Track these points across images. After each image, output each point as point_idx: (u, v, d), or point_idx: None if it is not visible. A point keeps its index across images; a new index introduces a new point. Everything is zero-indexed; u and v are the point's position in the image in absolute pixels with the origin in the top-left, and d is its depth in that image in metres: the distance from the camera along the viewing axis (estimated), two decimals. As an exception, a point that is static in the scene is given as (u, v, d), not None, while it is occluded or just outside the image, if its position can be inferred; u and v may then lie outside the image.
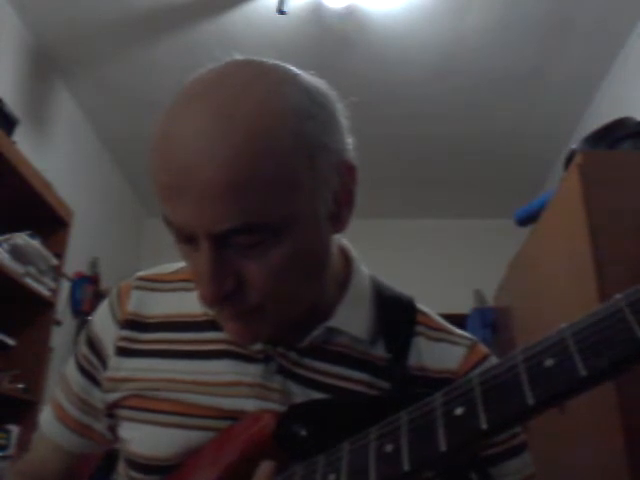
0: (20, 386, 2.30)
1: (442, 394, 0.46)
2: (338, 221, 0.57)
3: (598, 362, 0.38)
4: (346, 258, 0.67)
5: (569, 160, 1.79)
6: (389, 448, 0.46)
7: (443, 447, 0.42)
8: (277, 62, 0.55)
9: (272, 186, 0.49)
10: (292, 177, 0.50)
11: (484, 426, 0.41)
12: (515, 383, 0.41)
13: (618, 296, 0.40)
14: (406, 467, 0.44)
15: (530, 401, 0.40)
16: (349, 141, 0.58)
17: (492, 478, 0.57)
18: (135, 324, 0.67)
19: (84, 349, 0.71)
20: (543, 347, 0.41)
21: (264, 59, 0.55)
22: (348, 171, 0.56)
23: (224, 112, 0.48)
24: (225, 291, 0.51)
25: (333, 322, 0.60)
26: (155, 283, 0.70)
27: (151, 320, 0.67)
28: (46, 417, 0.74)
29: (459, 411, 0.43)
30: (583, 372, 0.38)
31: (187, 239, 0.52)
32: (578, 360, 0.39)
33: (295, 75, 0.55)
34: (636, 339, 0.37)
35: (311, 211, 0.53)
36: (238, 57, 0.55)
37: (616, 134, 1.75)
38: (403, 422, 0.46)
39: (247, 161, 0.47)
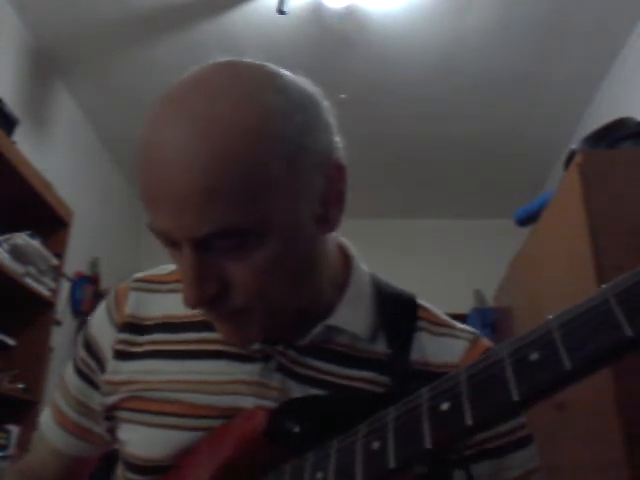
0: (20, 386, 2.30)
1: (429, 389, 0.46)
2: (326, 222, 0.56)
3: (584, 355, 0.38)
4: (345, 256, 0.67)
5: (569, 160, 1.79)
6: (376, 445, 0.46)
7: (428, 444, 0.42)
8: (257, 63, 0.55)
9: (249, 190, 0.48)
10: (270, 180, 0.49)
11: (469, 422, 0.41)
12: (501, 378, 0.41)
13: (605, 286, 0.39)
14: (392, 464, 0.44)
15: (515, 397, 0.40)
16: (337, 140, 0.57)
17: (474, 478, 0.57)
18: (133, 326, 0.66)
19: (82, 352, 0.71)
20: (529, 340, 0.41)
21: (245, 60, 0.54)
22: (336, 171, 0.55)
23: (197, 118, 0.48)
24: (208, 294, 0.51)
25: (332, 320, 0.60)
26: (152, 284, 0.70)
27: (148, 322, 0.67)
28: (45, 420, 0.74)
29: (445, 406, 0.43)
30: (568, 366, 0.38)
31: (172, 243, 0.53)
32: (563, 353, 0.38)
33: (274, 76, 0.54)
34: (621, 330, 0.36)
35: (292, 213, 0.52)
36: (221, 59, 0.54)
37: (616, 134, 1.75)
38: (390, 419, 0.46)
39: (221, 166, 0.47)
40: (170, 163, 0.48)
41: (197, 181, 0.47)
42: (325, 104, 0.56)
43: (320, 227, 0.56)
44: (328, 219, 0.56)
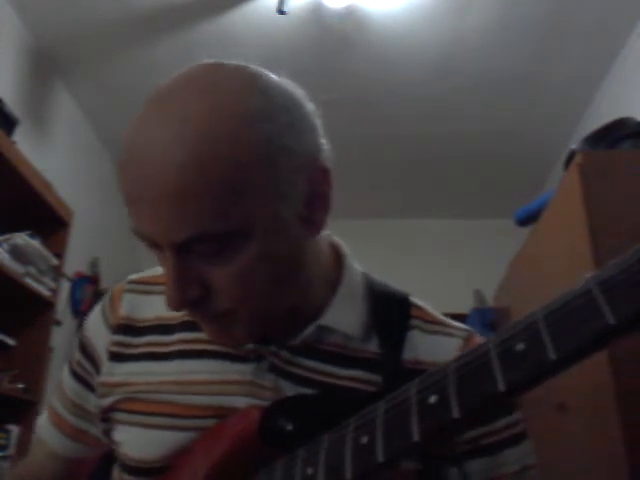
0: (20, 386, 2.30)
1: (417, 382, 0.46)
2: (311, 224, 0.56)
3: (568, 345, 0.38)
4: (338, 255, 0.66)
5: (569, 160, 1.79)
6: (364, 440, 0.46)
7: (416, 437, 0.43)
8: (241, 64, 0.54)
9: (228, 193, 0.48)
10: (250, 182, 0.49)
11: (456, 414, 0.41)
12: (487, 369, 0.41)
13: (588, 275, 0.39)
14: (380, 458, 0.44)
15: (501, 387, 0.40)
16: (322, 142, 0.56)
17: (468, 476, 0.57)
18: (127, 328, 0.66)
19: (77, 354, 0.71)
20: (515, 331, 0.41)
21: (229, 62, 0.54)
22: (320, 173, 0.55)
23: (177, 120, 0.48)
24: (189, 297, 0.51)
25: (324, 320, 0.60)
26: (146, 286, 0.70)
27: (143, 324, 0.67)
28: (42, 422, 0.75)
29: (432, 399, 0.43)
30: (553, 356, 0.38)
31: (155, 246, 0.52)
32: (548, 343, 0.39)
33: (257, 77, 0.53)
34: (604, 318, 0.37)
35: (273, 216, 0.51)
36: (207, 61, 0.54)
37: (616, 134, 1.75)
38: (379, 413, 0.46)
39: (198, 169, 0.47)
40: (148, 163, 0.48)
41: (175, 183, 0.47)
42: (310, 106, 0.56)
43: (305, 229, 0.55)
44: (313, 221, 0.56)
